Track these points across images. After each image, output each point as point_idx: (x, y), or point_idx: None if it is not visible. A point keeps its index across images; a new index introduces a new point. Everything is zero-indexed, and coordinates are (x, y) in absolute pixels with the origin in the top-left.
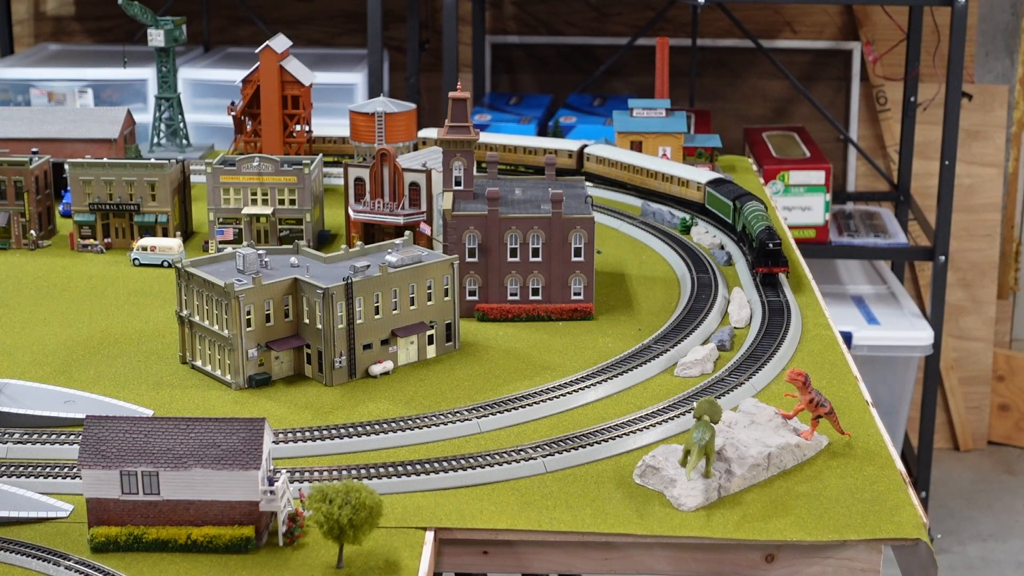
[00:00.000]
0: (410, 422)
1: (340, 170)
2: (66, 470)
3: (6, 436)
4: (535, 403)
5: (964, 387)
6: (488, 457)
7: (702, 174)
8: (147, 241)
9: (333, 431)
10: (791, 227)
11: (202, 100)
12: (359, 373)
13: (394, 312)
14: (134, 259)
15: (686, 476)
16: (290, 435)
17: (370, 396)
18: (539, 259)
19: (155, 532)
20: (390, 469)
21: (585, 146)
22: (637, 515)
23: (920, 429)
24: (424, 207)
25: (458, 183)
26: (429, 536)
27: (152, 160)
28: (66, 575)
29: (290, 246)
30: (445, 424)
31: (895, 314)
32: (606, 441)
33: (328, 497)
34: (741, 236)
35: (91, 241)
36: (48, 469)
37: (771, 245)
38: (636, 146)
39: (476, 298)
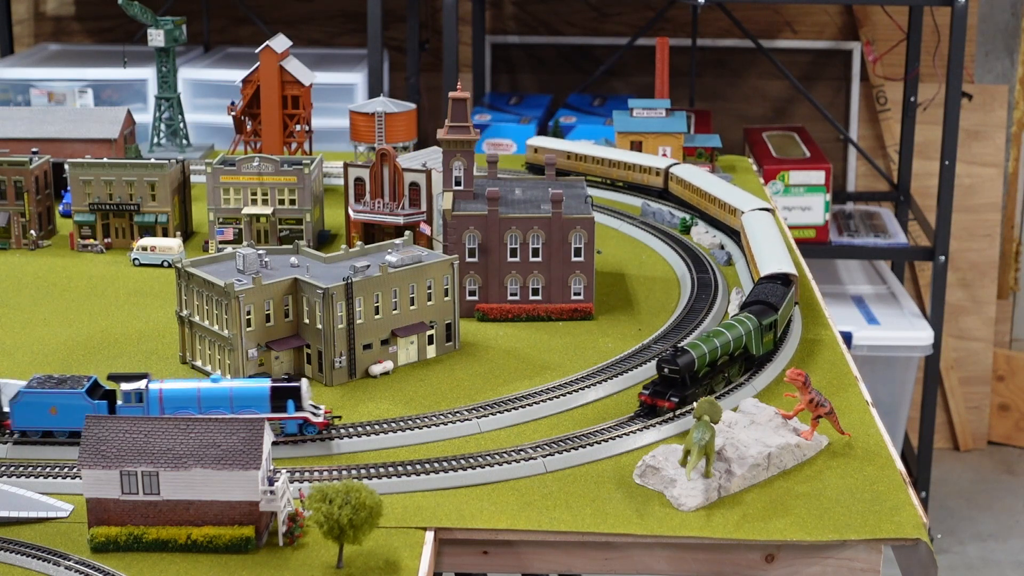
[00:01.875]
0: (410, 422)
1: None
2: (66, 470)
3: (6, 436)
4: (535, 403)
5: (964, 387)
6: (488, 457)
7: (773, 262)
8: (147, 241)
9: (333, 431)
10: (791, 227)
11: (202, 100)
12: (359, 373)
13: (394, 312)
14: (134, 259)
15: (686, 476)
16: (290, 435)
17: (370, 396)
18: (539, 259)
19: (155, 532)
20: (390, 469)
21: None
22: (637, 515)
23: (920, 429)
24: (424, 207)
25: (458, 183)
26: (429, 536)
27: (152, 160)
28: (66, 575)
29: (290, 246)
30: (445, 424)
31: (895, 314)
32: (606, 441)
33: (328, 497)
34: None
35: (91, 241)
36: (48, 469)
37: (666, 370)
38: (636, 146)
39: (476, 298)
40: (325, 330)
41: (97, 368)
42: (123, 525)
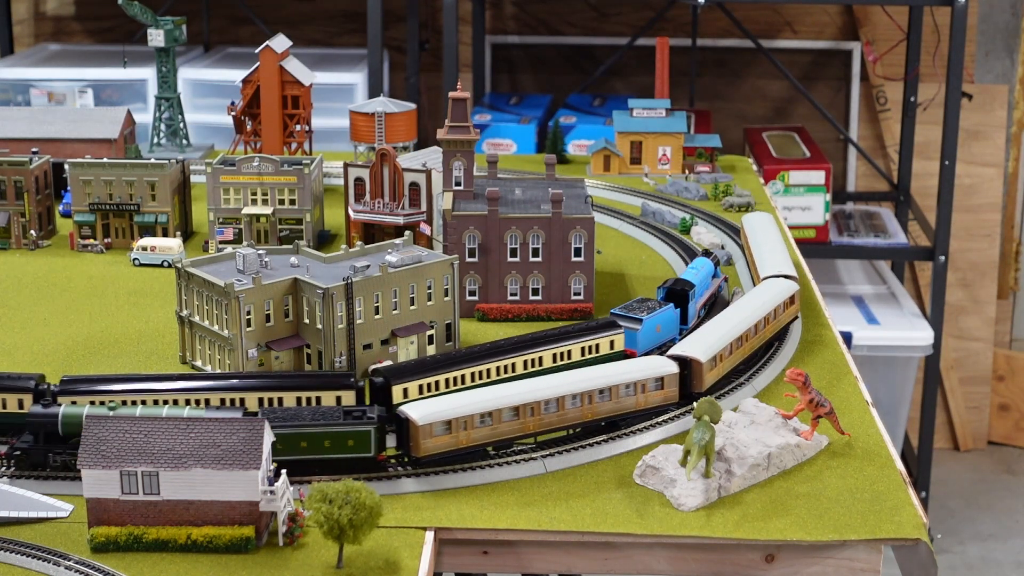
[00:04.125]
0: None
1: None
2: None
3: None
4: None
5: (964, 387)
6: (488, 457)
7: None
8: (147, 241)
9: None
10: (791, 227)
11: (202, 100)
12: (359, 373)
13: (394, 312)
14: (134, 259)
15: (686, 476)
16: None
17: None
18: (539, 259)
19: (155, 532)
20: (390, 469)
21: None
22: (637, 515)
23: (920, 429)
24: (424, 207)
25: (458, 183)
26: (429, 536)
27: (152, 160)
28: (66, 575)
29: (290, 246)
30: None
31: (895, 314)
32: (606, 441)
33: (328, 497)
34: None
35: (91, 241)
36: (48, 469)
37: None
38: (636, 147)
39: (476, 298)
40: (325, 330)
41: (97, 368)
42: (123, 525)
